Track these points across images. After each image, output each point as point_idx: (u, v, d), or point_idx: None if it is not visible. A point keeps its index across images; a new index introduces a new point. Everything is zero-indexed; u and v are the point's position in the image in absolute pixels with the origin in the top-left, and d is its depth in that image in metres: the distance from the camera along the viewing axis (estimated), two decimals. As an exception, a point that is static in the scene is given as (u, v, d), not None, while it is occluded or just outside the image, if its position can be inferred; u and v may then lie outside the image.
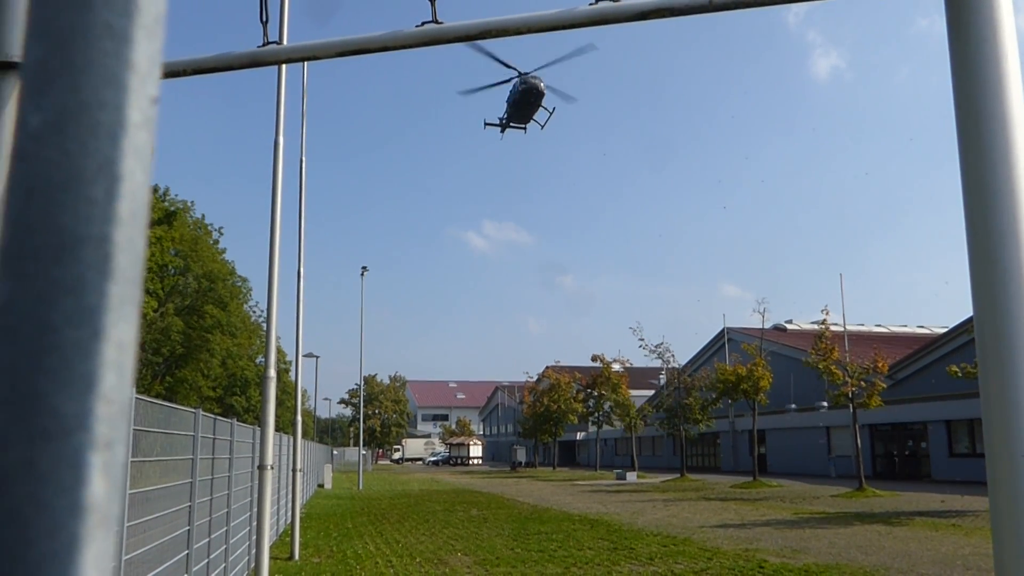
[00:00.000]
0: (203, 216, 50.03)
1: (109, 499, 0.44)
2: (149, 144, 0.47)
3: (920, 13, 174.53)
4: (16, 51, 2.15)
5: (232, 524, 12.43)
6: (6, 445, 0.41)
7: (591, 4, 2.61)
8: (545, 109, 26.23)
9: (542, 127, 27.06)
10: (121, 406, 0.45)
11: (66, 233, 0.43)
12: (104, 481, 0.43)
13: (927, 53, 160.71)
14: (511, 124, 27.40)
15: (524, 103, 25.81)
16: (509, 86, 25.84)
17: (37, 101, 0.43)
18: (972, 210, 2.08)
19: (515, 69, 25.01)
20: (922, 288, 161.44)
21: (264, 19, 2.97)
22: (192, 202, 48.29)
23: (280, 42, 2.94)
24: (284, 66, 11.25)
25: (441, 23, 2.73)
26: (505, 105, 26.96)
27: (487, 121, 28.39)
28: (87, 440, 0.42)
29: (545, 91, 25.48)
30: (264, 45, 2.90)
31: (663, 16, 2.55)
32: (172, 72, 2.95)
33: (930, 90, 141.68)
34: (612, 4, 2.58)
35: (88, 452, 0.42)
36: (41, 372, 0.42)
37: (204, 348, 45.24)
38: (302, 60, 3.18)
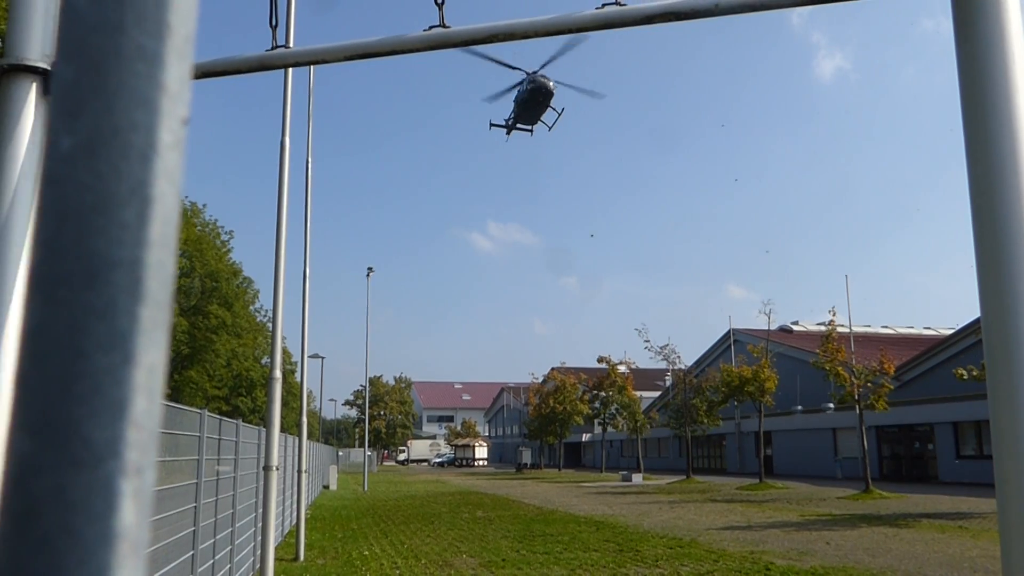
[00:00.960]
0: (216, 220, 50.14)
1: (139, 526, 0.43)
2: (179, 166, 0.46)
3: (925, 14, 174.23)
4: (31, 54, 2.17)
5: (237, 525, 12.45)
6: (37, 472, 0.40)
7: (597, 8, 2.62)
8: (554, 110, 25.46)
9: (550, 128, 26.29)
10: (151, 432, 0.44)
11: (98, 257, 0.42)
12: (134, 508, 0.43)
13: (932, 54, 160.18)
14: (518, 125, 26.60)
15: (532, 103, 24.99)
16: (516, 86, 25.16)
17: (69, 123, 0.43)
18: (979, 211, 2.08)
19: (522, 70, 24.38)
20: (929, 290, 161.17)
21: (273, 23, 2.98)
22: (204, 205, 48.43)
23: (288, 46, 2.96)
24: (291, 69, 11.28)
25: (448, 27, 2.74)
26: (512, 105, 26.07)
27: (492, 122, 27.54)
28: (118, 467, 0.42)
29: (554, 91, 24.67)
30: (272, 49, 2.92)
31: (668, 20, 2.55)
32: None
33: (934, 91, 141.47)
34: (618, 8, 2.59)
35: (119, 479, 0.42)
36: (72, 398, 0.41)
37: (209, 348, 45.30)
38: (310, 64, 3.19)
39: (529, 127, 26.58)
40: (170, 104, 0.45)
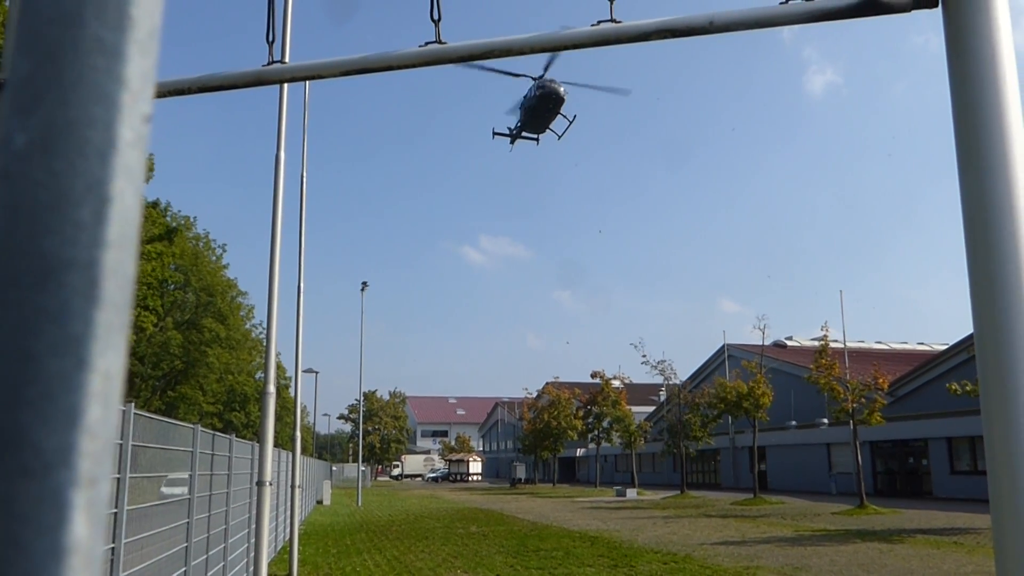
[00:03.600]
0: (207, 232, 50.12)
1: (92, 540, 0.41)
2: (141, 164, 0.45)
3: (915, 31, 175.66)
4: None
5: (230, 540, 12.38)
6: (-18, 483, 0.38)
7: (593, 25, 2.63)
8: (564, 117, 23.41)
9: (559, 137, 24.22)
10: (106, 441, 0.42)
11: (51, 257, 0.41)
12: (87, 521, 0.40)
13: (921, 70, 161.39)
14: (523, 134, 24.54)
15: (541, 110, 22.98)
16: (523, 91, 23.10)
17: (23, 119, 0.42)
18: (972, 226, 2.08)
19: (528, 76, 22.34)
20: (922, 305, 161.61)
21: (270, 39, 3.00)
22: (195, 218, 48.40)
23: (284, 61, 2.97)
24: (286, 84, 11.29)
25: (444, 43, 2.75)
26: (519, 112, 24.02)
27: (496, 131, 25.43)
28: (69, 477, 0.40)
29: (565, 96, 22.65)
30: (269, 64, 2.93)
31: (664, 37, 2.57)
32: (177, 90, 2.97)
33: (925, 106, 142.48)
34: (614, 25, 2.60)
35: (70, 490, 0.40)
36: (21, 404, 0.39)
37: (203, 363, 45.17)
38: (306, 79, 3.20)
39: (536, 136, 24.65)
40: (131, 100, 0.43)
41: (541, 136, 24.64)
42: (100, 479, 0.42)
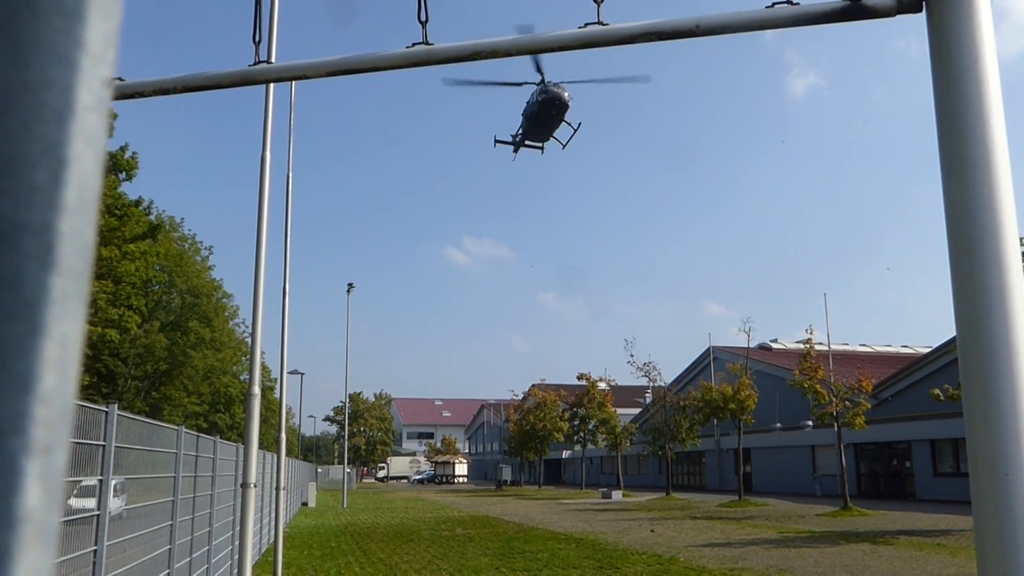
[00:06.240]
0: (193, 234, 49.88)
1: (46, 509, 0.40)
2: (101, 128, 0.44)
3: (896, 35, 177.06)
4: None
5: (214, 543, 12.31)
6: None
7: (580, 27, 2.64)
8: (569, 124, 22.44)
9: (564, 146, 23.23)
10: (62, 408, 0.41)
11: (5, 221, 0.40)
12: (40, 489, 0.40)
13: (903, 74, 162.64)
14: (527, 142, 23.48)
15: (544, 117, 21.91)
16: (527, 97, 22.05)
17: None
18: (955, 230, 2.10)
19: (530, 83, 21.40)
20: (906, 308, 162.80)
21: (256, 39, 2.99)
22: (182, 219, 48.10)
23: (270, 61, 2.96)
24: (272, 84, 11.25)
25: (432, 44, 2.75)
26: (520, 119, 22.85)
27: (498, 138, 24.22)
28: (22, 444, 0.39)
29: (570, 102, 21.54)
30: (255, 64, 2.92)
31: (651, 40, 2.58)
32: (162, 89, 2.96)
33: (908, 109, 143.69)
34: (601, 28, 2.61)
35: (23, 458, 0.39)
36: None
37: (188, 364, 44.91)
38: (292, 79, 3.19)
39: (540, 144, 23.60)
40: (91, 63, 0.42)
41: (546, 144, 23.66)
42: (55, 447, 0.41)
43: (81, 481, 6.98)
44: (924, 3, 2.22)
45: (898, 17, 2.35)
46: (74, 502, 6.95)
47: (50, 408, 0.41)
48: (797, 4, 2.42)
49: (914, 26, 2.23)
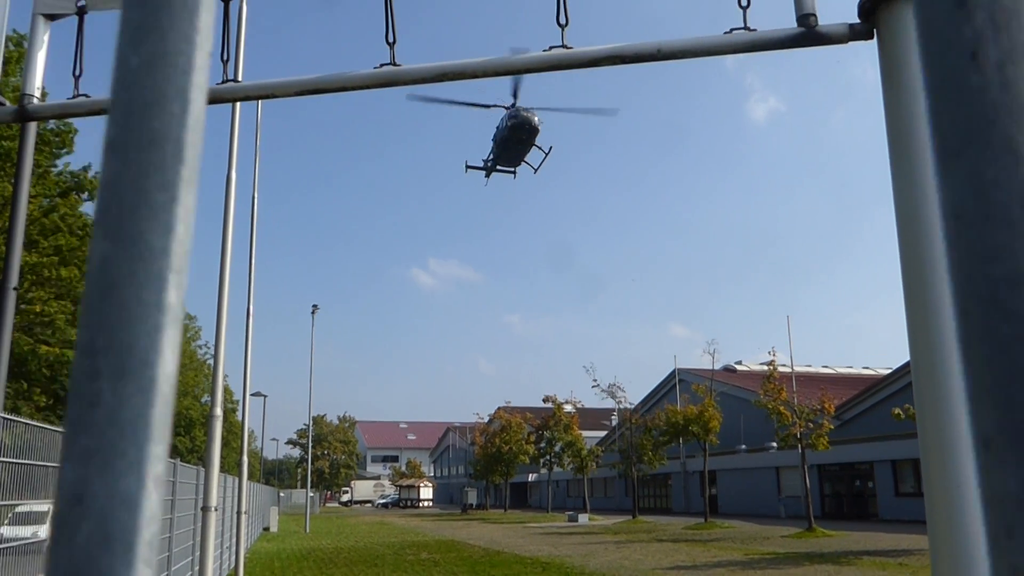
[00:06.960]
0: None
1: None
2: (205, 78, 0.52)
3: (853, 61, 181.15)
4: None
5: (173, 568, 12.06)
6: None
7: (545, 50, 2.68)
8: (540, 149, 22.50)
9: (535, 170, 23.25)
10: None
11: None
12: None
13: (859, 99, 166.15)
14: (498, 167, 23.51)
15: (514, 141, 21.91)
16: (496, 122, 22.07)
17: (135, 47, 0.50)
18: (906, 254, 2.15)
19: (500, 106, 21.20)
20: (865, 329, 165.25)
21: (224, 58, 2.99)
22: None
23: (238, 80, 2.96)
24: (239, 103, 11.22)
25: (399, 65, 2.78)
26: (491, 144, 22.86)
27: (469, 164, 24.22)
28: None
29: (539, 127, 21.62)
30: (223, 83, 2.92)
31: (614, 63, 2.63)
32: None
33: (864, 133, 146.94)
34: (565, 51, 2.66)
35: None
36: None
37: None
38: (260, 98, 3.20)
39: (511, 169, 23.65)
40: (202, 40, 0.51)
41: (517, 169, 23.71)
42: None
43: (17, 507, 6.74)
44: (875, 30, 2.29)
45: (851, 44, 2.43)
46: (5, 530, 6.60)
47: None
48: (754, 31, 2.49)
49: (869, 53, 2.31)
